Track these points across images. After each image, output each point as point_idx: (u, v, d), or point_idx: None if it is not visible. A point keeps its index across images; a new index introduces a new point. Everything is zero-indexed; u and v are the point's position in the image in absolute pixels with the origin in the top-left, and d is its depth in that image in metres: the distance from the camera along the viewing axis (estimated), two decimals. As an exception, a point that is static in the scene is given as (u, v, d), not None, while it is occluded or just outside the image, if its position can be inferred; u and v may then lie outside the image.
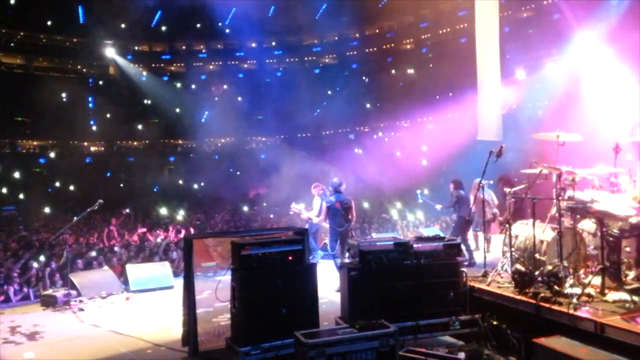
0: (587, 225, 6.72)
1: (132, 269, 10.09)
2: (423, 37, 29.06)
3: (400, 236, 13.11)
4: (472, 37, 13.25)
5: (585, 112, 10.36)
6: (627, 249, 6.33)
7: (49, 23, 28.15)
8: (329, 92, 31.43)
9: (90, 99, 32.02)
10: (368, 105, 31.64)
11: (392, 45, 31.35)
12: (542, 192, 6.79)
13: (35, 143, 32.54)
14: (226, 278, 5.91)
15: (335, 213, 9.10)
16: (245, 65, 33.94)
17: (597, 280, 5.86)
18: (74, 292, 8.96)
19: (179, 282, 7.60)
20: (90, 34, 28.00)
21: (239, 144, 35.21)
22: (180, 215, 21.45)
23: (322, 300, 6.07)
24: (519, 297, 5.88)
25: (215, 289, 6.04)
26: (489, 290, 6.35)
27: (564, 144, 6.57)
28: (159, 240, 15.02)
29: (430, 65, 26.81)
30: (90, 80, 32.18)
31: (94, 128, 32.10)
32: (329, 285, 8.42)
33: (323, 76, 32.43)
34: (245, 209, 23.56)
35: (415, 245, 6.33)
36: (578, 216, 6.40)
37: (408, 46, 30.82)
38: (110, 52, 29.18)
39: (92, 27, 27.37)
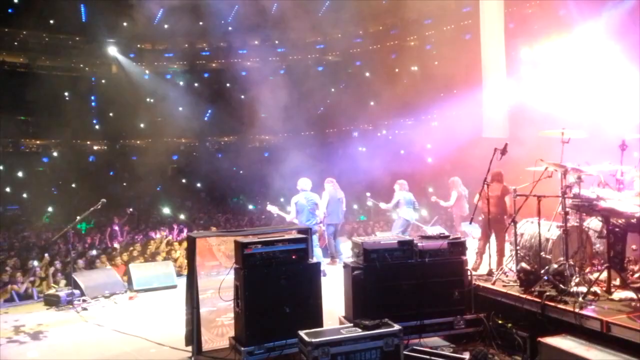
0: (593, 223, 6.66)
1: (135, 269, 10.10)
2: (427, 33, 28.92)
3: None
4: (476, 34, 13.18)
5: (591, 109, 10.27)
6: (633, 246, 6.28)
7: (51, 22, 28.13)
8: (333, 90, 31.36)
9: (93, 97, 32.05)
10: (372, 103, 31.55)
11: (396, 42, 31.23)
12: (548, 189, 6.72)
13: (38, 142, 32.59)
14: (229, 277, 5.88)
15: (302, 209, 10.04)
16: (248, 63, 33.92)
17: (603, 278, 5.81)
18: (77, 292, 8.97)
19: (182, 282, 7.59)
20: (92, 32, 28.03)
21: (242, 143, 35.20)
22: (183, 214, 21.46)
23: (326, 300, 6.01)
24: (524, 295, 5.83)
25: (219, 288, 6.03)
26: (494, 289, 6.31)
27: (569, 141, 6.52)
28: (161, 235, 15.03)
29: (435, 62, 26.68)
30: (93, 79, 32.19)
31: (97, 127, 32.13)
32: (332, 285, 8.38)
33: (326, 74, 32.36)
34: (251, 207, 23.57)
35: (419, 244, 6.29)
36: (584, 214, 6.34)
37: (412, 43, 30.70)
38: (112, 50, 29.21)
39: (94, 25, 27.40)
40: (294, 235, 6.11)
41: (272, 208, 10.64)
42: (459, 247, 6.38)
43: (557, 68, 11.57)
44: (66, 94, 29.74)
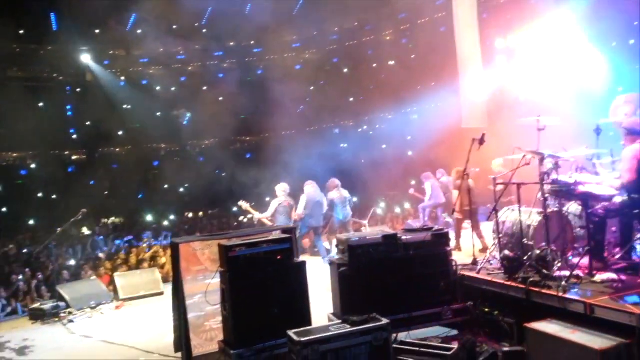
0: (573, 208, 6.76)
1: (120, 278, 10.02)
2: (402, 27, 28.98)
3: (389, 229, 13.21)
4: (451, 26, 13.25)
5: (565, 96, 10.42)
6: (613, 229, 6.38)
7: (21, 32, 27.58)
8: (312, 88, 31.32)
9: (68, 107, 31.52)
10: (351, 99, 31.59)
11: (372, 37, 31.26)
12: (526, 176, 6.81)
13: (15, 155, 31.99)
14: (216, 281, 5.85)
15: (284, 211, 10.53)
16: (225, 65, 33.65)
17: (585, 261, 5.91)
18: (62, 304, 8.86)
19: (169, 288, 7.53)
20: (64, 41, 27.53)
21: (223, 145, 34.97)
22: (168, 220, 21.28)
23: (314, 297, 6.02)
24: (508, 282, 5.91)
25: (205, 293, 5.99)
26: (479, 278, 6.38)
27: (545, 128, 6.60)
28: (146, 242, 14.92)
29: (412, 55, 26.78)
30: (68, 88, 31.62)
31: (74, 136, 31.63)
32: (319, 283, 8.40)
33: (304, 72, 32.29)
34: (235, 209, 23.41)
35: (403, 237, 6.33)
36: (563, 199, 6.43)
37: (388, 38, 30.75)
38: (85, 58, 28.72)
39: (66, 34, 26.91)
40: (278, 235, 6.10)
41: (242, 204, 10.89)
42: (442, 238, 6.44)
43: (531, 56, 11.72)
44: (41, 104, 29.22)
